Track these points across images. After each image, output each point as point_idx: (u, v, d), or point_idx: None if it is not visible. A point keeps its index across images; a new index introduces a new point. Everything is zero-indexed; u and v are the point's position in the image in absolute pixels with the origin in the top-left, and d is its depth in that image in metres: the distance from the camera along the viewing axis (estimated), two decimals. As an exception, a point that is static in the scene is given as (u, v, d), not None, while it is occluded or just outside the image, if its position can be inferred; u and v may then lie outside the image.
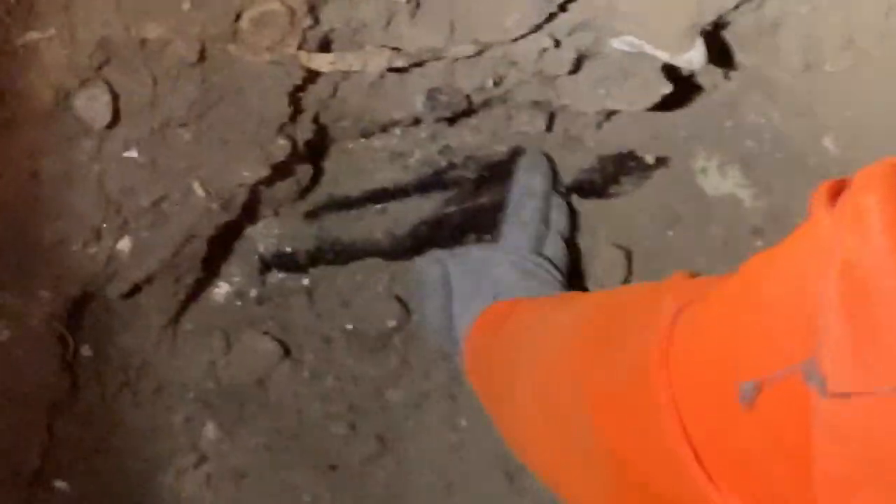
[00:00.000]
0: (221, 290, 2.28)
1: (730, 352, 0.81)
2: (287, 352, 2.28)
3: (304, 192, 2.26)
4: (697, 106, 2.34)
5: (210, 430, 2.24)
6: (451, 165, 2.33)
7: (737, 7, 1.85)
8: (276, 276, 2.33)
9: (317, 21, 1.78)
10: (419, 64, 1.93)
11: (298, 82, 1.85)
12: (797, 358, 0.68)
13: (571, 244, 2.30)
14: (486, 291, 1.98)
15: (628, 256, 2.35)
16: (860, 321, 0.64)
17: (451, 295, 2.06)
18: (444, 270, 2.08)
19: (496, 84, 2.02)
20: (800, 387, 0.67)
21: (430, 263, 2.12)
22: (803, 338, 0.68)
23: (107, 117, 1.72)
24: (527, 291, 1.92)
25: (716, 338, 0.85)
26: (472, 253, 2.12)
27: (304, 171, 2.17)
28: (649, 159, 2.38)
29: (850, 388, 0.64)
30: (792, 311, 0.71)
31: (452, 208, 2.32)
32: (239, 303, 2.29)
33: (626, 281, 2.34)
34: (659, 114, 2.25)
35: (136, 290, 2.01)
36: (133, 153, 1.80)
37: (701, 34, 1.82)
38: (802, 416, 0.67)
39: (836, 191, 0.74)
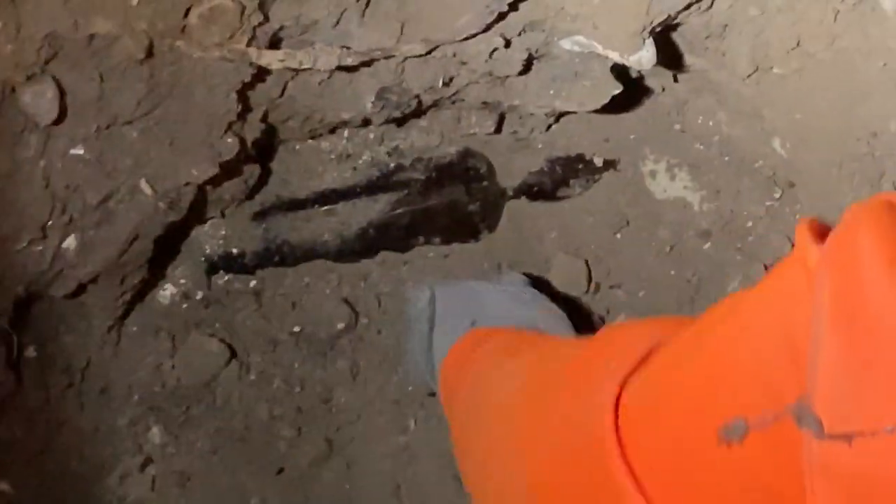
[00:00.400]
0: (167, 291, 2.26)
1: (707, 397, 0.77)
2: (234, 354, 2.27)
3: (251, 192, 2.24)
4: (646, 109, 2.35)
5: (155, 433, 2.22)
6: (400, 167, 2.32)
7: (687, 8, 1.85)
8: (224, 278, 2.31)
9: (266, 18, 1.77)
10: (369, 63, 1.92)
11: (247, 80, 1.84)
12: (786, 397, 0.66)
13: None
14: (467, 319, 1.91)
15: (587, 264, 2.35)
16: (859, 359, 0.61)
17: (434, 323, 1.97)
18: (432, 297, 1.99)
19: (446, 84, 2.01)
20: (787, 428, 0.65)
21: (418, 291, 2.02)
22: (791, 376, 0.66)
23: (53, 113, 1.69)
24: (520, 321, 1.84)
25: (687, 386, 0.81)
26: (464, 282, 2.04)
27: (252, 171, 2.15)
28: (598, 162, 2.39)
29: (851, 428, 0.61)
30: (778, 348, 0.69)
31: (401, 210, 2.31)
32: (185, 304, 2.28)
33: (588, 290, 2.34)
34: (608, 116, 2.26)
35: (81, 289, 1.99)
36: (80, 150, 1.78)
37: (651, 34, 1.82)
38: (788, 458, 0.65)
39: (820, 228, 0.71)
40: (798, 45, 1.95)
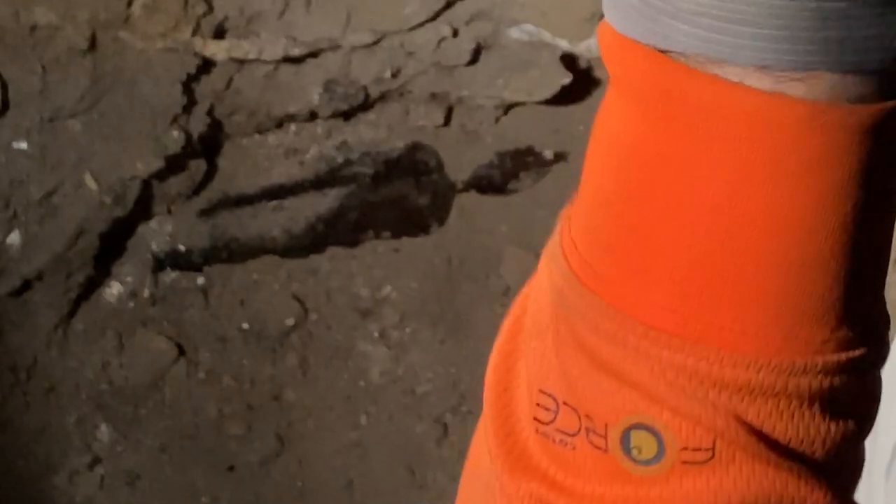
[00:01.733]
0: (114, 289, 2.24)
1: None
2: (182, 352, 2.24)
3: (198, 188, 2.22)
4: (596, 100, 2.34)
5: (104, 432, 2.20)
6: (348, 161, 2.30)
7: (636, -6, 1.84)
8: (171, 275, 2.28)
9: (211, 8, 1.75)
10: (315, 54, 1.91)
11: (192, 71, 1.82)
12: None
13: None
14: None
15: (538, 258, 2.34)
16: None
17: None
18: None
19: (394, 75, 2.00)
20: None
21: None
22: None
23: (-5, 106, 1.68)
24: None
25: None
26: None
27: (198, 166, 2.14)
28: (548, 154, 2.38)
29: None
30: None
31: (350, 205, 2.30)
32: (132, 302, 2.25)
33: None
34: (557, 108, 2.25)
35: (26, 286, 1.97)
36: (22, 144, 1.76)
37: (601, 20, 1.82)
38: None
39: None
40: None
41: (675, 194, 0.52)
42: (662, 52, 0.52)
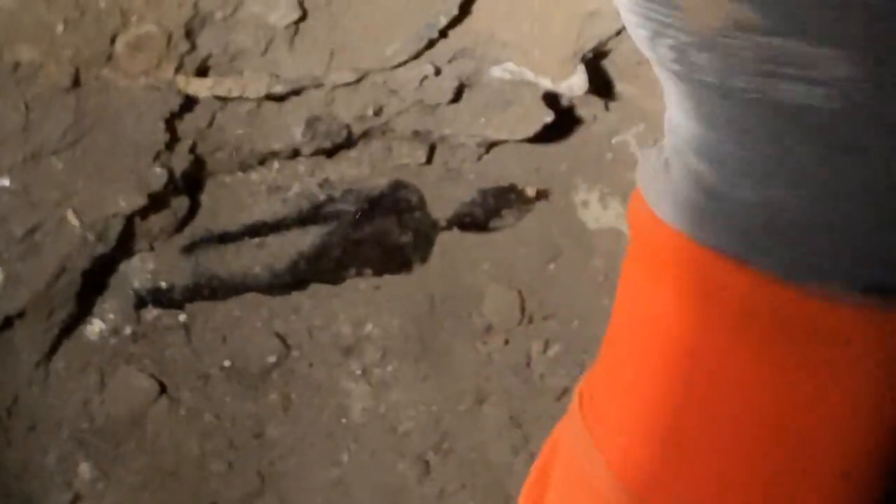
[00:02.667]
0: (95, 326, 2.23)
1: None
2: (164, 389, 2.24)
3: (180, 225, 2.22)
4: (578, 138, 2.35)
5: (85, 470, 2.19)
6: (331, 199, 2.31)
7: (618, 34, 1.85)
8: (152, 312, 2.28)
9: (194, 46, 1.75)
10: (298, 92, 1.91)
11: (175, 109, 1.82)
12: None
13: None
14: None
15: (521, 295, 2.34)
16: None
17: None
18: None
19: (376, 113, 2.00)
20: None
21: None
22: None
23: (-23, 143, 1.67)
24: None
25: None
26: None
27: (181, 203, 2.13)
28: (530, 192, 2.38)
29: None
30: None
31: (332, 242, 2.30)
32: (114, 339, 2.25)
33: (521, 322, 2.34)
34: (539, 146, 2.25)
35: (7, 324, 1.96)
36: (4, 181, 1.75)
37: (582, 60, 1.83)
38: None
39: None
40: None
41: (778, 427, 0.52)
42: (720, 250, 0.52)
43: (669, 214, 0.55)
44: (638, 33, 0.52)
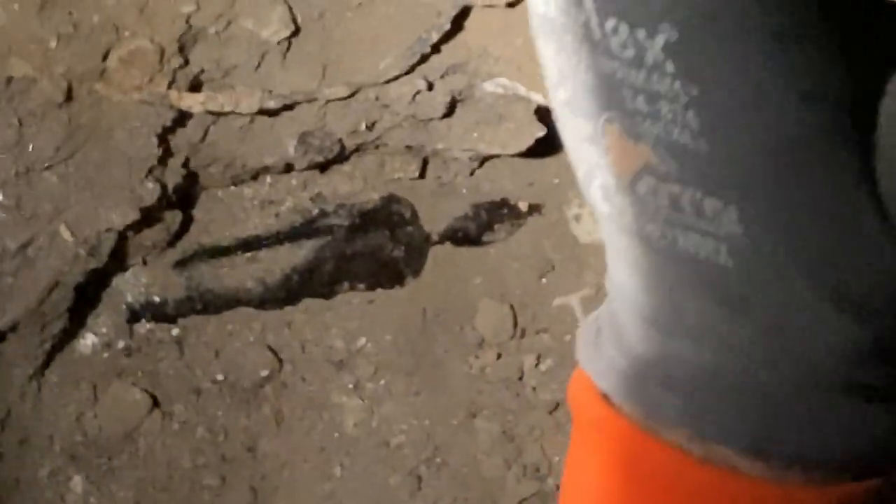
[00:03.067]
0: (88, 340, 2.23)
1: None
2: (156, 403, 2.24)
3: (173, 240, 2.22)
4: (570, 152, 2.35)
5: (77, 484, 2.19)
6: (324, 213, 2.31)
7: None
8: (145, 326, 2.28)
9: (186, 61, 1.76)
10: (291, 107, 1.91)
11: (168, 123, 1.82)
12: None
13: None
14: None
15: (513, 309, 2.34)
16: None
17: None
18: None
19: (369, 128, 2.01)
20: None
21: None
22: None
23: (-30, 157, 1.68)
24: None
25: None
26: None
27: (173, 217, 2.14)
28: (523, 206, 2.38)
29: None
30: None
31: (325, 256, 2.30)
32: (106, 354, 2.25)
33: (514, 336, 2.34)
34: (532, 161, 2.26)
35: (0, 338, 1.96)
36: (-3, 195, 1.76)
37: (574, 75, 1.83)
38: None
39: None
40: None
41: None
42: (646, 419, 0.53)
43: (596, 377, 0.57)
44: (577, 173, 0.54)
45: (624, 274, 0.55)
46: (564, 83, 0.53)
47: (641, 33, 0.48)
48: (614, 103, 0.50)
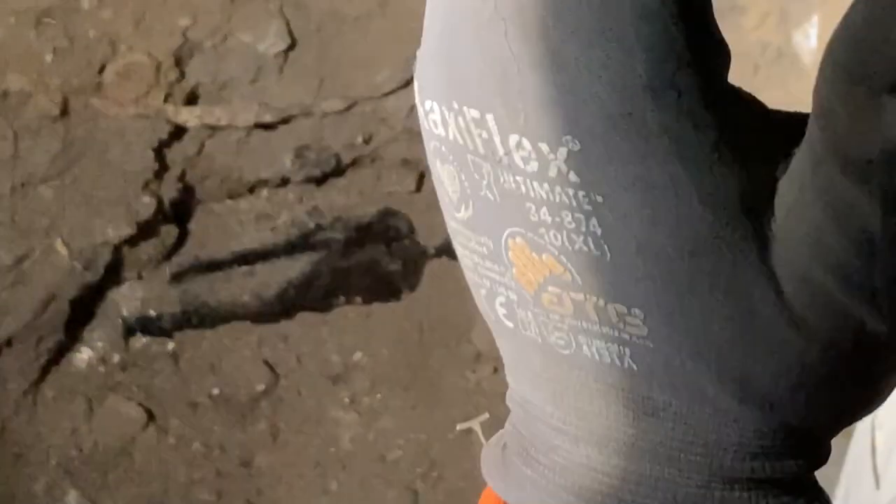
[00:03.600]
0: (84, 354, 2.23)
1: None
2: (152, 417, 2.23)
3: (169, 254, 2.22)
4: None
5: (72, 498, 2.18)
6: (320, 227, 2.30)
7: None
8: (141, 340, 2.27)
9: (183, 75, 1.76)
10: (287, 120, 1.91)
11: (164, 137, 1.82)
12: None
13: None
14: None
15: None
16: None
17: None
18: None
19: (365, 141, 2.01)
20: None
21: None
22: None
23: (-34, 171, 1.67)
24: None
25: None
26: None
27: (169, 231, 2.13)
28: (519, 220, 2.38)
29: None
30: None
31: (321, 270, 2.30)
32: (102, 368, 2.24)
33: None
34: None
35: (-5, 352, 1.96)
36: (-7, 210, 1.75)
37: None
38: None
39: None
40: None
41: None
42: None
43: (505, 493, 0.57)
44: (478, 292, 0.55)
45: (527, 386, 0.55)
46: (465, 202, 0.53)
47: (544, 147, 0.48)
48: (518, 218, 0.50)
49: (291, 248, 2.30)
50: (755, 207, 0.48)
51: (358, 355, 2.30)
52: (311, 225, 2.30)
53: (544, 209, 0.50)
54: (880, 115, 0.43)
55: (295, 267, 2.29)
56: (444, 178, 0.54)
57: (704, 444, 0.52)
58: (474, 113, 0.50)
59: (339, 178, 2.25)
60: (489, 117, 0.50)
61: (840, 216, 0.47)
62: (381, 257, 2.33)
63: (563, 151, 0.48)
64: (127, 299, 2.23)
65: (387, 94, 1.86)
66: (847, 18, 0.41)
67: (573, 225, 0.49)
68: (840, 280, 0.48)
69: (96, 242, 1.87)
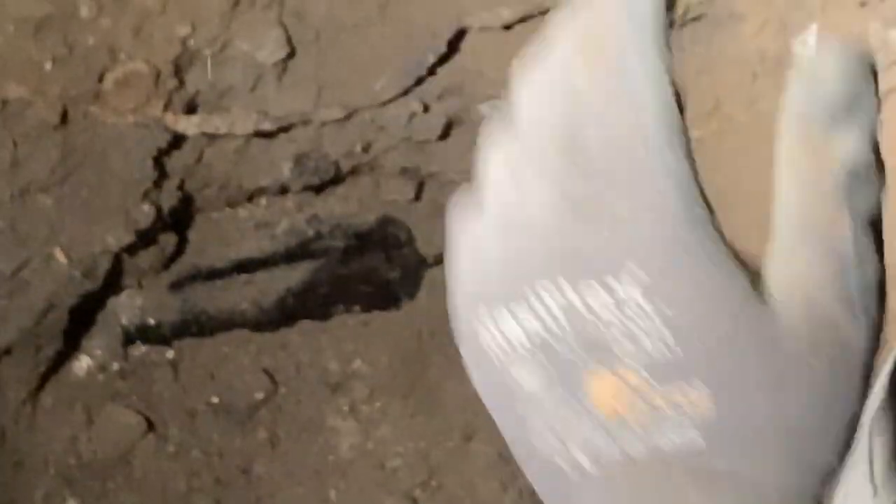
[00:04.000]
0: (83, 363, 2.23)
1: None
2: (151, 426, 2.23)
3: (168, 262, 2.22)
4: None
5: (71, 507, 2.18)
6: (319, 235, 2.30)
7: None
8: (140, 349, 2.27)
9: (182, 83, 1.76)
10: (286, 129, 1.91)
11: (163, 146, 1.82)
12: None
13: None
14: None
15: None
16: None
17: None
18: None
19: (365, 150, 2.01)
20: None
21: None
22: None
23: (-35, 180, 1.67)
24: None
25: None
26: None
27: (168, 240, 2.13)
28: (519, 228, 2.38)
29: None
30: None
31: (320, 278, 2.29)
32: (101, 376, 2.24)
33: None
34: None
35: (-6, 361, 1.96)
36: (-8, 218, 1.75)
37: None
38: None
39: None
40: (716, 107, 1.96)
41: None
42: None
43: None
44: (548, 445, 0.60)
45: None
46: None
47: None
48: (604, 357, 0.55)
49: (290, 256, 2.29)
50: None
51: (357, 363, 2.30)
52: (311, 233, 2.30)
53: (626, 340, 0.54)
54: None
55: (294, 275, 2.29)
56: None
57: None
58: None
59: (339, 186, 2.25)
60: None
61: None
62: (381, 265, 2.33)
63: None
64: (126, 307, 2.23)
65: (386, 103, 1.86)
66: None
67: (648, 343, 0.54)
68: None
69: (95, 251, 1.87)
